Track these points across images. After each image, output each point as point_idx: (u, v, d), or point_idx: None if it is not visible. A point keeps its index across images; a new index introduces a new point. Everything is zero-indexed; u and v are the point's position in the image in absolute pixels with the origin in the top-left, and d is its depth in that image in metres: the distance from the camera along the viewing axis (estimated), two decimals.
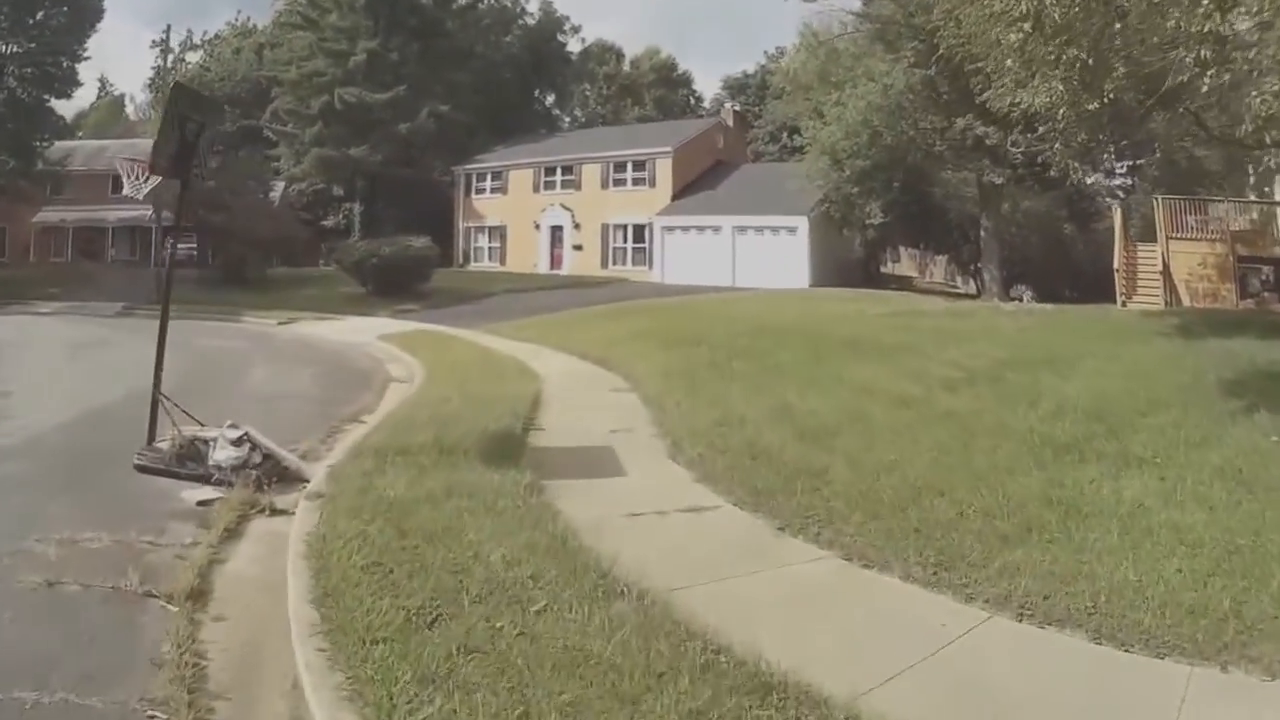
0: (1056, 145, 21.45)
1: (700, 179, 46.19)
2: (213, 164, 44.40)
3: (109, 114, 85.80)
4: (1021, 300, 27.44)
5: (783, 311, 25.63)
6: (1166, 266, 27.57)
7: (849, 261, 44.38)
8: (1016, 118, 34.83)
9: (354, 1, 56.39)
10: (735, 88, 69.98)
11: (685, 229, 42.82)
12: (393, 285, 34.51)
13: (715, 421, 11.29)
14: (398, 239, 38.10)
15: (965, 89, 35.06)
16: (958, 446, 9.90)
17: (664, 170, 44.94)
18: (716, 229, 41.69)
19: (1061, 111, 16.10)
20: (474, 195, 53.34)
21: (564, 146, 51.87)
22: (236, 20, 79.60)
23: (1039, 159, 36.97)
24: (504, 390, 13.99)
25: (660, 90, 75.24)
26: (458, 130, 57.04)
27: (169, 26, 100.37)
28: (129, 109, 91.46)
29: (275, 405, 14.09)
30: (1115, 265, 28.29)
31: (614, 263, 46.11)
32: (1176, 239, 27.60)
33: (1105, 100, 15.59)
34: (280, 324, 29.97)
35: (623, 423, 12.12)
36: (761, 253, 40.32)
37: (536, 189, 49.80)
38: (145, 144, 58.67)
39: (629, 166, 46.29)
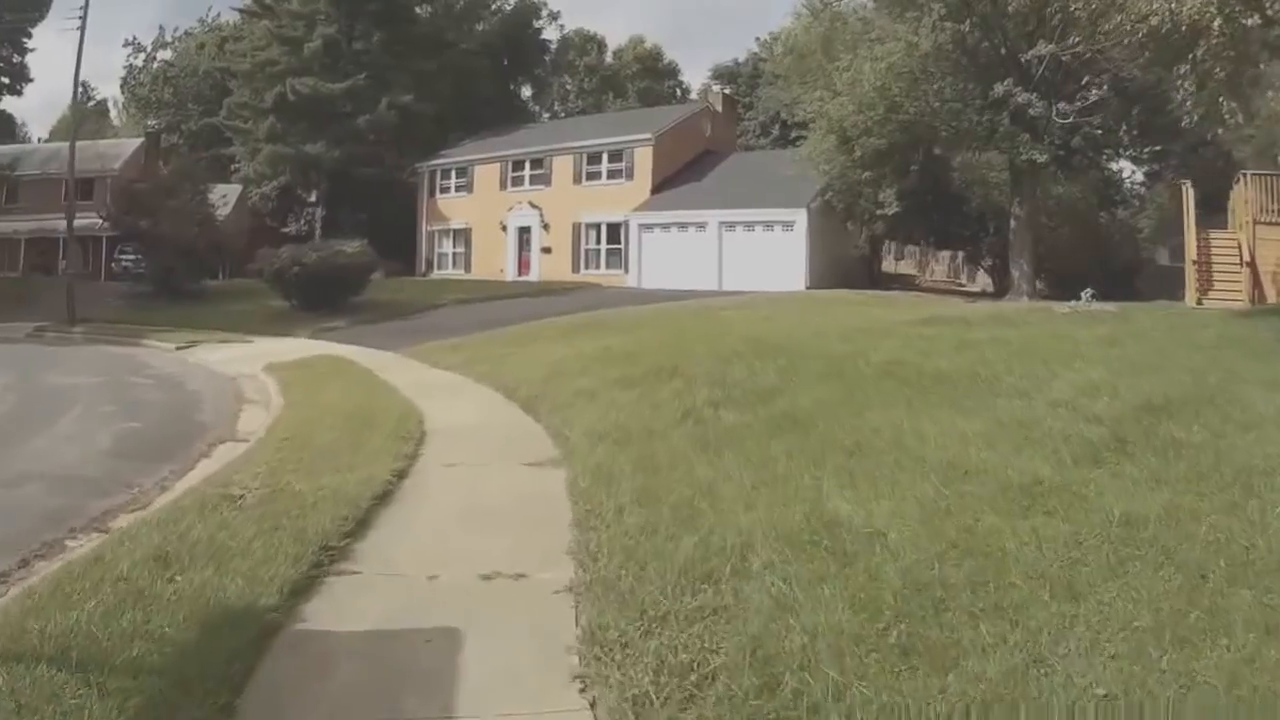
0: (1186, 85, 15.67)
1: (684, 171, 40.32)
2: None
3: (92, 119, 79.96)
4: (1081, 299, 21.50)
5: (784, 322, 19.92)
6: (1252, 256, 21.97)
7: (849, 260, 38.69)
8: (1064, 80, 29.83)
9: None
10: (725, 76, 63.43)
11: (665, 227, 36.99)
12: (322, 298, 28.69)
13: (693, 573, 5.38)
14: (326, 244, 32.46)
15: (1006, 46, 30.22)
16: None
17: (643, 161, 39.12)
18: (701, 225, 35.89)
19: (1217, 24, 10.69)
20: (438, 195, 47.53)
21: (534, 138, 45.93)
22: (208, 16, 73.51)
23: (1079, 134, 32.14)
24: (344, 477, 8.19)
25: (645, 82, 69.20)
26: (425, 124, 51.12)
27: (161, 28, 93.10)
28: (113, 113, 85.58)
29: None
30: (1191, 256, 22.57)
31: (586, 266, 40.29)
32: (1267, 224, 21.93)
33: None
34: (179, 348, 24.48)
35: (515, 556, 6.27)
36: (753, 251, 34.57)
37: (504, 186, 43.98)
38: (106, 146, 53.66)
39: (604, 158, 40.45)
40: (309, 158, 50.07)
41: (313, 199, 55.07)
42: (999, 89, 28.69)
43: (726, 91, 46.74)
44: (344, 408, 12.54)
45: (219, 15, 70.76)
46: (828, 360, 12.49)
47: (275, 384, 15.89)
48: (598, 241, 40.02)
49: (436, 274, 46.62)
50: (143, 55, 76.99)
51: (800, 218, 33.51)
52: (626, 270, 37.81)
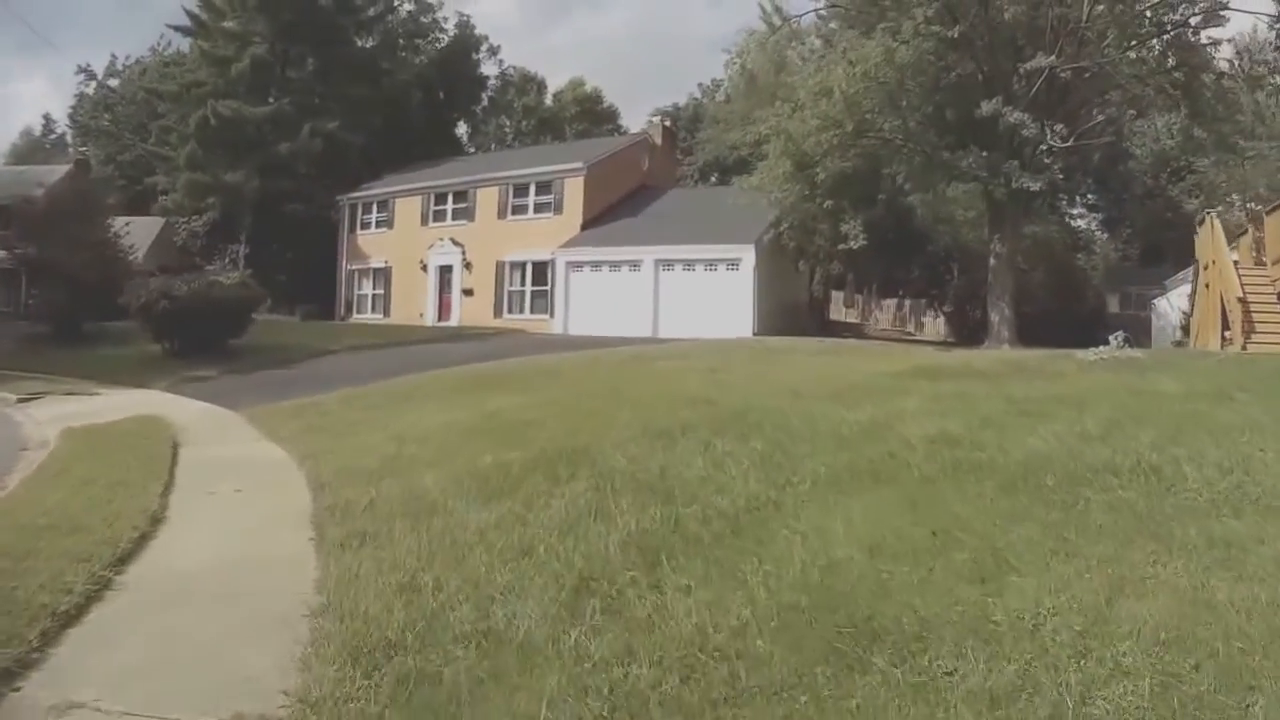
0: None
1: (618, 206, 35.58)
2: None
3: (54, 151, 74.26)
4: (1111, 343, 16.77)
5: (739, 374, 15.33)
6: None
7: (798, 306, 34.17)
8: (1059, 100, 25.58)
9: (247, 1, 45.90)
10: (665, 118, 59.51)
11: (596, 265, 32.12)
12: (197, 340, 23.47)
13: None
14: (202, 274, 27.38)
15: (994, 61, 26.25)
16: None
17: (574, 193, 34.29)
18: (635, 264, 31.08)
19: None
20: (359, 231, 42.40)
21: (460, 170, 40.93)
22: (159, 43, 67.69)
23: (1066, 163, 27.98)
24: None
25: (584, 124, 64.68)
26: (352, 156, 46.19)
27: (113, 55, 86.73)
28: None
29: None
30: (1236, 293, 17.96)
31: (510, 309, 35.33)
32: None
33: None
34: (20, 400, 18.93)
35: None
36: (693, 294, 29.81)
37: (425, 221, 38.97)
38: (34, 173, 47.48)
39: (531, 189, 35.55)
40: (228, 187, 45.15)
41: (236, 233, 49.86)
42: (987, 107, 24.40)
43: (667, 124, 42.03)
44: (67, 507, 7.58)
45: (169, 43, 65.33)
46: (836, 439, 7.87)
47: (44, 457, 10.96)
48: (522, 282, 35.11)
49: (356, 318, 41.51)
50: (94, 83, 71.54)
51: (748, 255, 28.86)
52: (552, 314, 32.93)
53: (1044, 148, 24.94)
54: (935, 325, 46.54)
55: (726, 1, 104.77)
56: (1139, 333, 34.63)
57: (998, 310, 27.80)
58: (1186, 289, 32.38)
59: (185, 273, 47.94)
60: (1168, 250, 46.22)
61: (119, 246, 31.90)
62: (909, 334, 45.67)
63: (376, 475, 8.44)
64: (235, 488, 8.98)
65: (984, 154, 25.76)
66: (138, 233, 46.71)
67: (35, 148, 73.40)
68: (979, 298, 32.70)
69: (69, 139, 71.30)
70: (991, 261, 28.22)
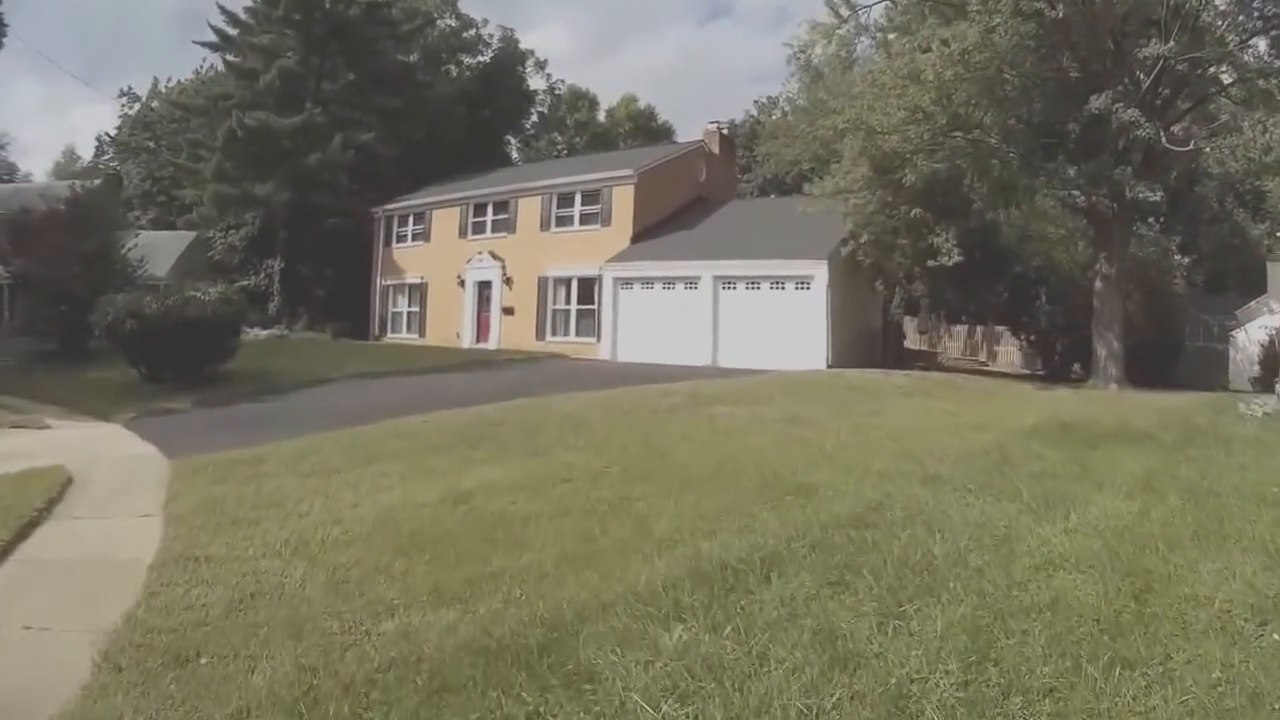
0: None
1: (672, 218, 31.68)
2: None
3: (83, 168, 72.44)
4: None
5: (826, 432, 11.54)
6: None
7: (869, 332, 30.00)
8: (1172, 96, 21.62)
9: (273, 12, 42.76)
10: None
11: (647, 282, 28.25)
12: (172, 364, 19.85)
13: None
14: (176, 287, 23.79)
15: (1107, 47, 21.79)
16: None
17: (623, 203, 30.49)
18: (691, 281, 27.15)
19: None
20: (394, 245, 39.05)
21: (500, 180, 37.38)
22: (202, 65, 65.18)
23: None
24: None
25: (638, 141, 60.93)
26: (388, 168, 42.83)
27: (155, 78, 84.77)
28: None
29: None
30: None
31: (553, 331, 31.57)
32: None
33: None
34: None
35: None
36: (758, 316, 25.83)
37: (463, 233, 35.43)
38: (61, 188, 44.44)
39: (577, 199, 31.81)
40: (256, 199, 41.82)
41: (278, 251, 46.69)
42: (1096, 102, 20.31)
43: (724, 132, 37.98)
44: None
45: (211, 65, 62.52)
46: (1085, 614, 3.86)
47: None
48: (567, 300, 31.34)
49: (390, 337, 38.10)
50: (137, 105, 69.04)
51: (820, 272, 24.84)
52: (599, 337, 29.11)
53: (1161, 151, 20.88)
54: (1009, 354, 42.18)
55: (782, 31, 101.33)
56: (1215, 368, 30.36)
57: (1104, 342, 23.57)
58: (1264, 320, 29.08)
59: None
60: (1230, 278, 42.59)
61: (121, 260, 28.40)
62: (983, 364, 41.32)
63: (193, 647, 4.59)
64: (27, 624, 5.28)
65: (1088, 160, 21.81)
66: (164, 247, 43.80)
67: (79, 167, 71.32)
68: (1070, 327, 28.48)
69: (110, 158, 68.68)
70: (1097, 285, 23.97)
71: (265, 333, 39.81)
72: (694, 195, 33.85)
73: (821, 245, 25.46)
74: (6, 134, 76.34)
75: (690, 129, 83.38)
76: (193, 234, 47.51)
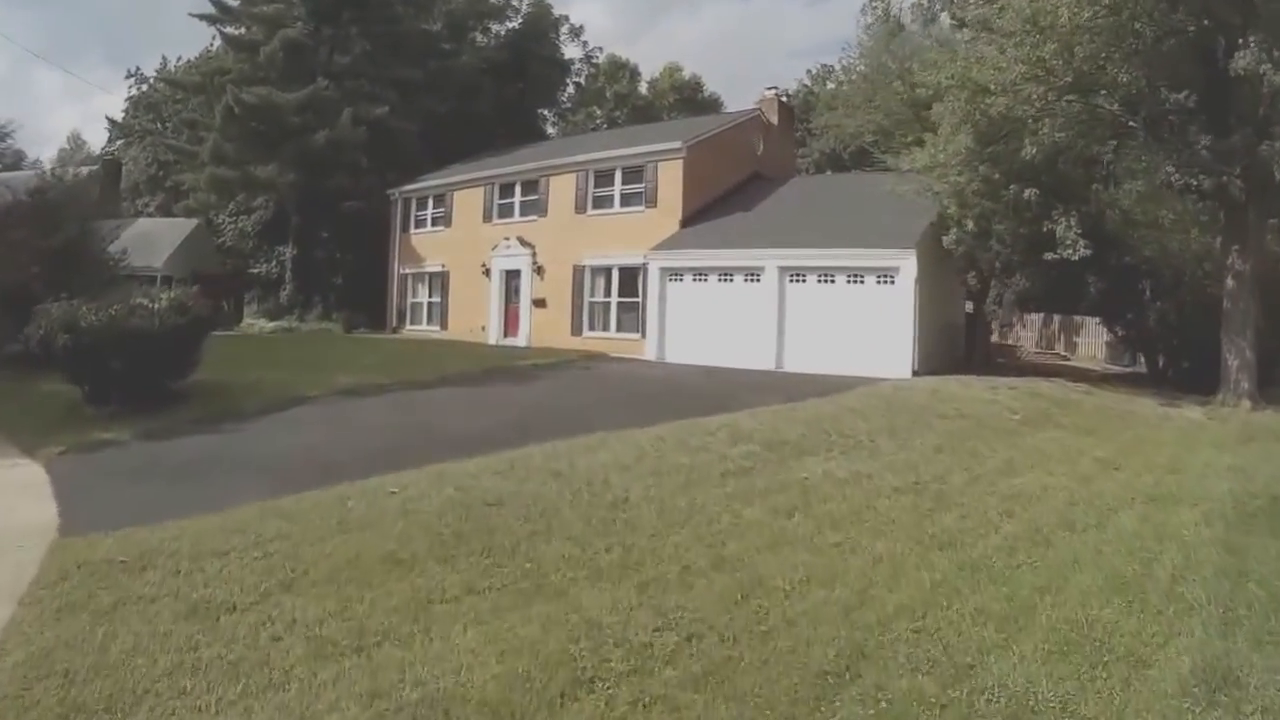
0: None
1: (726, 198, 27.63)
2: None
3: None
4: None
5: (986, 518, 8.36)
6: None
7: (951, 328, 25.92)
8: None
9: None
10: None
11: (700, 274, 24.18)
12: (121, 381, 15.94)
13: None
14: (123, 288, 20.04)
15: None
16: None
17: (670, 180, 26.38)
18: (753, 273, 23.10)
19: None
20: (412, 230, 35.21)
21: (529, 156, 33.18)
22: (211, 43, 61.17)
23: None
24: None
25: (682, 113, 56.69)
26: (408, 145, 38.93)
27: (164, 58, 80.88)
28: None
29: None
30: None
31: (591, 326, 27.68)
32: None
33: None
34: None
35: None
36: (831, 313, 21.78)
37: (488, 216, 31.52)
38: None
39: (617, 176, 27.71)
40: (256, 181, 38.10)
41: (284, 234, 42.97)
42: (1241, 60, 16.20)
43: (784, 99, 33.64)
44: None
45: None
46: None
47: None
48: (607, 292, 27.39)
49: (408, 329, 34.40)
50: (145, 86, 65.27)
51: (907, 264, 20.73)
52: (644, 333, 25.16)
53: None
54: (1090, 347, 37.88)
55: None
56: None
57: (1236, 350, 19.43)
58: None
59: (224, 280, 41.85)
60: None
61: (97, 253, 24.59)
62: (1064, 357, 37.04)
63: None
64: None
65: (1215, 133, 17.67)
66: (165, 236, 40.26)
67: (85, 154, 68.02)
68: (1182, 327, 24.31)
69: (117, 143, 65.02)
70: (1228, 284, 19.76)
71: (272, 325, 36.20)
72: (750, 171, 29.70)
73: (906, 231, 21.42)
74: (13, 121, 72.77)
75: (739, 102, 78.84)
76: (194, 221, 43.70)
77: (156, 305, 16.02)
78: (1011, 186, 18.80)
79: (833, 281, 21.84)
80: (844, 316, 21.52)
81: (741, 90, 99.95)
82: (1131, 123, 18.68)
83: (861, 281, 21.47)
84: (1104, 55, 17.47)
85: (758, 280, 22.81)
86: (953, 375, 20.60)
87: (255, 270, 46.33)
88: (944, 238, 20.92)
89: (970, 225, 19.37)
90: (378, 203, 36.99)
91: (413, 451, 10.95)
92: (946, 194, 19.70)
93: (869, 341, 21.00)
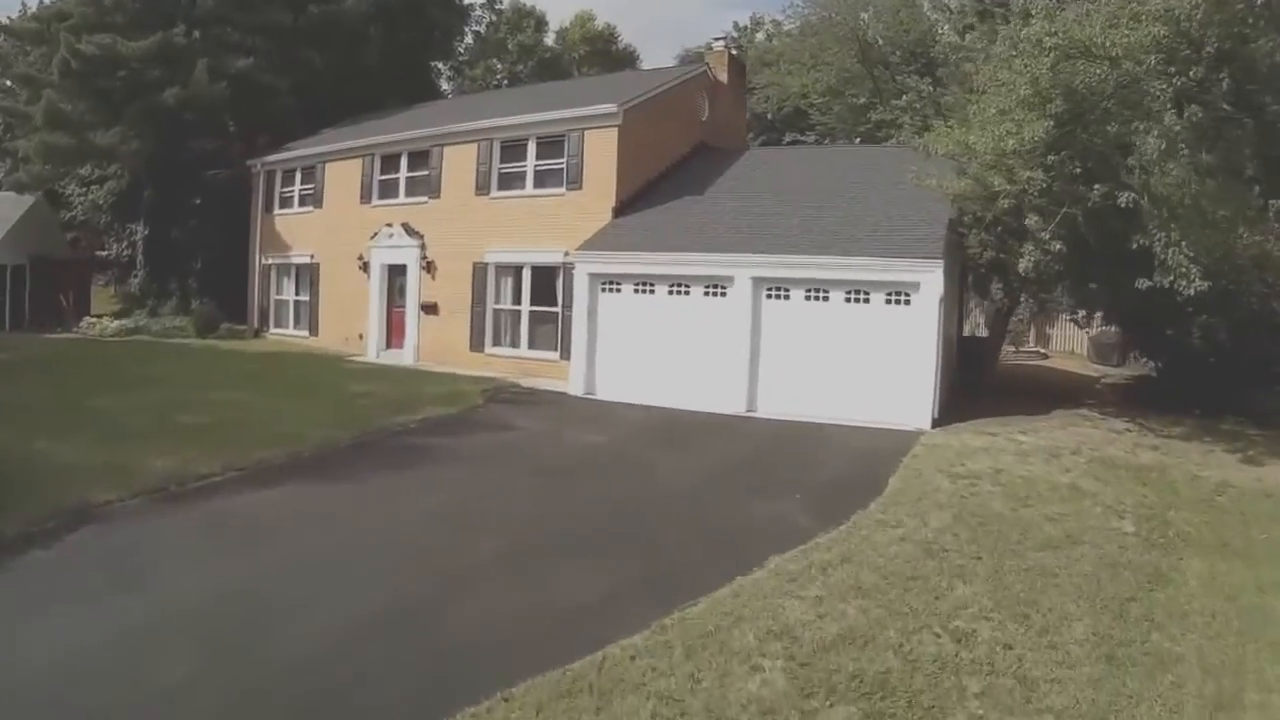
0: None
1: (669, 177, 21.56)
2: None
3: None
4: None
5: None
6: None
7: (949, 347, 20.16)
8: None
9: None
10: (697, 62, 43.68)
11: (644, 284, 17.94)
12: None
13: None
14: None
15: None
16: None
17: (601, 154, 20.04)
18: (718, 286, 17.00)
19: None
20: (276, 210, 28.29)
21: (419, 120, 26.17)
22: None
23: None
24: None
25: (595, 68, 50.09)
26: (283, 106, 31.78)
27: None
28: None
29: None
30: None
31: (495, 340, 21.49)
32: None
33: None
34: None
35: None
36: (824, 341, 15.95)
37: (367, 196, 24.80)
38: None
39: (530, 148, 21.23)
40: (96, 149, 30.68)
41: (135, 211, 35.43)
42: None
43: (734, 52, 27.32)
44: None
45: None
46: None
47: None
48: (516, 298, 21.17)
49: (273, 332, 27.82)
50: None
51: (930, 279, 15.03)
52: (566, 353, 19.08)
53: None
54: (1066, 340, 33.28)
55: None
56: None
57: None
58: None
59: (70, 266, 34.41)
60: None
61: None
62: (1043, 354, 32.22)
63: None
64: None
65: None
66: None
67: None
68: (1237, 350, 18.96)
69: None
70: None
71: (117, 324, 28.94)
72: (696, 141, 23.58)
73: (924, 233, 15.72)
74: None
75: (656, 57, 71.49)
76: (32, 197, 35.76)
77: None
78: (1097, 187, 12.98)
79: (826, 299, 15.92)
80: (841, 345, 15.71)
81: (659, 44, 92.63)
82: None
83: (866, 300, 15.62)
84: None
85: (723, 294, 16.79)
86: (973, 420, 15.42)
87: (106, 253, 38.87)
88: (965, 238, 15.26)
89: (1046, 234, 13.43)
90: (247, 173, 29.89)
91: None
92: (1006, 191, 13.74)
93: (875, 379, 15.34)
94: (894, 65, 30.57)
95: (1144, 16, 11.39)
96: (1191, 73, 11.89)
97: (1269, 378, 17.72)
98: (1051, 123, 12.38)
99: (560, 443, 14.18)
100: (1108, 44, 11.66)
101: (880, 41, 30.98)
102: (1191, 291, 12.58)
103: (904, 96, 26.40)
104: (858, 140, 32.03)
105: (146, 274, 33.43)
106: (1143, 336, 22.70)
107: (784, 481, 11.81)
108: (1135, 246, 13.16)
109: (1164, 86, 11.72)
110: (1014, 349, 33.36)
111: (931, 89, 26.03)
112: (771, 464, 12.78)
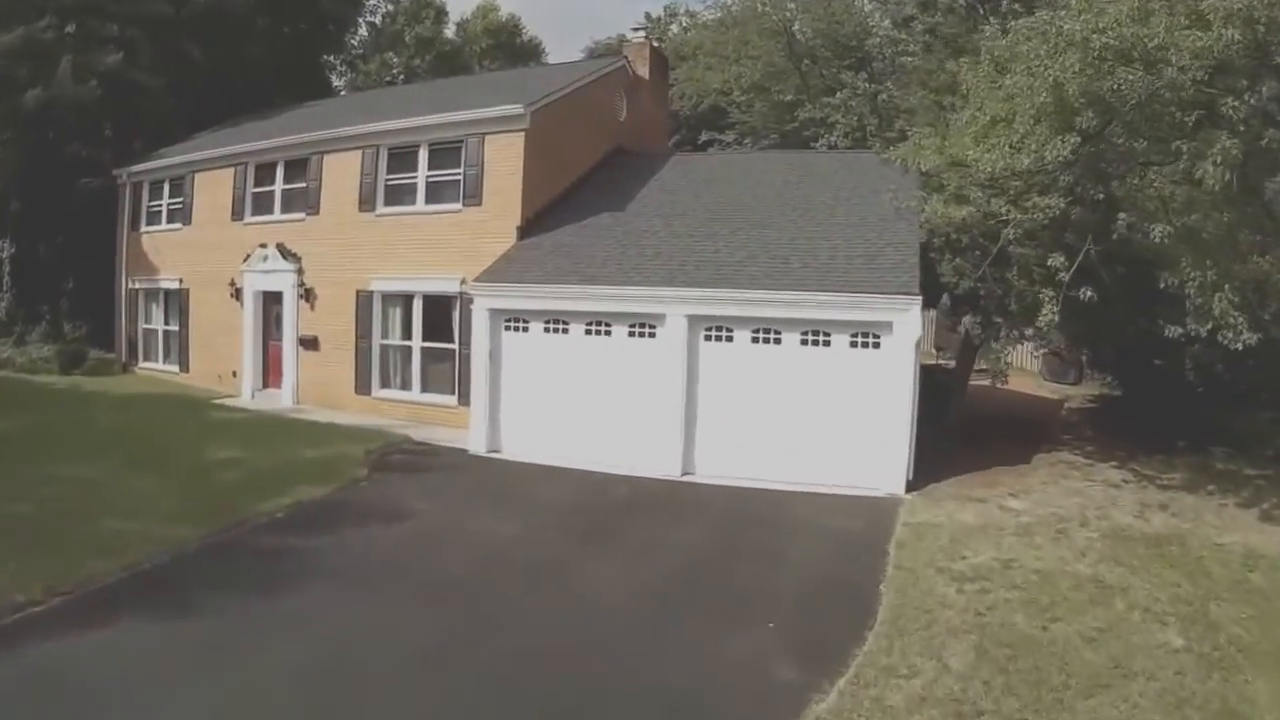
0: None
1: (582, 188, 18.54)
2: None
3: None
4: None
5: None
6: None
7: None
8: None
9: None
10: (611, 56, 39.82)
11: (557, 322, 14.82)
12: None
13: None
14: None
15: None
16: None
17: (506, 163, 16.84)
18: (645, 325, 14.01)
19: None
20: (143, 226, 24.57)
21: (298, 123, 22.63)
22: None
23: None
24: None
25: (498, 63, 46.62)
26: (160, 107, 27.83)
27: None
28: None
29: None
30: None
31: (384, 382, 18.28)
32: None
33: None
34: None
35: None
36: (775, 392, 13.09)
37: (239, 212, 21.24)
38: None
39: (422, 156, 17.92)
40: None
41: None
42: None
43: (656, 44, 24.33)
44: None
45: None
46: None
47: None
48: (406, 332, 18.00)
49: (142, 367, 24.20)
50: None
51: (906, 319, 12.29)
52: (465, 398, 15.94)
53: None
54: (1014, 355, 30.93)
55: None
56: None
57: None
58: None
59: None
60: None
61: None
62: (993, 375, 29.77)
63: None
64: None
65: None
66: None
67: None
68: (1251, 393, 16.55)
69: None
70: None
71: None
72: (613, 145, 20.52)
73: (894, 261, 12.89)
74: None
75: (563, 51, 67.65)
76: None
77: None
78: (1121, 217, 10.29)
79: (778, 341, 13.01)
80: (796, 396, 12.85)
81: (567, 37, 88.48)
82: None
83: (826, 343, 12.75)
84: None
85: (652, 335, 13.78)
86: (953, 479, 13.03)
87: None
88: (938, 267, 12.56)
89: (1065, 275, 10.64)
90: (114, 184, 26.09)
91: None
92: (1016, 221, 10.93)
93: (837, 436, 12.58)
94: (823, 59, 28.06)
95: (1217, 13, 8.69)
96: (1266, 88, 9.29)
97: (1235, 398, 15.59)
98: (1079, 139, 9.60)
99: (462, 538, 11.00)
100: (1168, 46, 8.94)
101: (809, 34, 28.43)
102: (1240, 346, 9.91)
103: (837, 94, 23.88)
104: (774, 137, 29.44)
105: (13, 297, 29.29)
106: (1125, 370, 20.34)
107: (748, 595, 8.95)
108: (1164, 286, 10.52)
109: (1236, 103, 9.04)
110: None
111: (868, 85, 23.56)
112: (728, 566, 9.87)
